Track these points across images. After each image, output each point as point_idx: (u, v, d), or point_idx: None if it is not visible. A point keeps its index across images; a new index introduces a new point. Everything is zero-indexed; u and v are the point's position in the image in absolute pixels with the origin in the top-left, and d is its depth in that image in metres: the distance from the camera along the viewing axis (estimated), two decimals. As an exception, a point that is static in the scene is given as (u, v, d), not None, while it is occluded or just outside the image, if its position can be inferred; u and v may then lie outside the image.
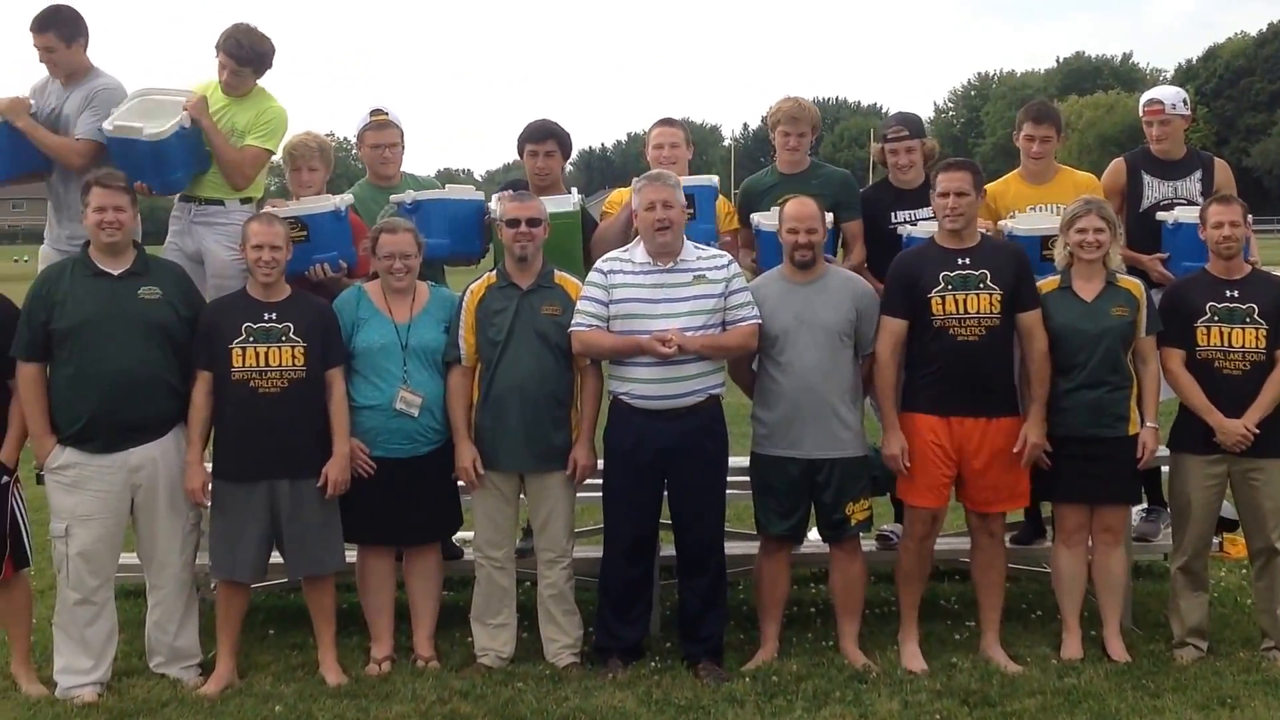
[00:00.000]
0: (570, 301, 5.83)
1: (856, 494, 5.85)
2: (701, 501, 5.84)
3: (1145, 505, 6.92)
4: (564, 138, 6.62)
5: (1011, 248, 5.99)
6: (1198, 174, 6.74)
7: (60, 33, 6.18)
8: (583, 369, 5.90)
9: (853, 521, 5.86)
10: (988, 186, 6.45)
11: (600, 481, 6.18)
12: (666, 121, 6.80)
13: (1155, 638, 6.17)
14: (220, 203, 6.34)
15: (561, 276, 5.94)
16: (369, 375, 5.77)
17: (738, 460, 6.07)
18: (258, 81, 6.44)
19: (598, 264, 5.87)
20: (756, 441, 5.93)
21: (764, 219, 6.38)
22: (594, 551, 6.58)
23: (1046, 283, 5.93)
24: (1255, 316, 5.77)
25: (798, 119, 6.64)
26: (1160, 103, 6.75)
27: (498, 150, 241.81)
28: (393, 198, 6.32)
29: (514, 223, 5.82)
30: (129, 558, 5.96)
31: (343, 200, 6.21)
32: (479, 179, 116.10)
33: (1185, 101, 6.86)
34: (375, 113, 6.69)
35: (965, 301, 5.71)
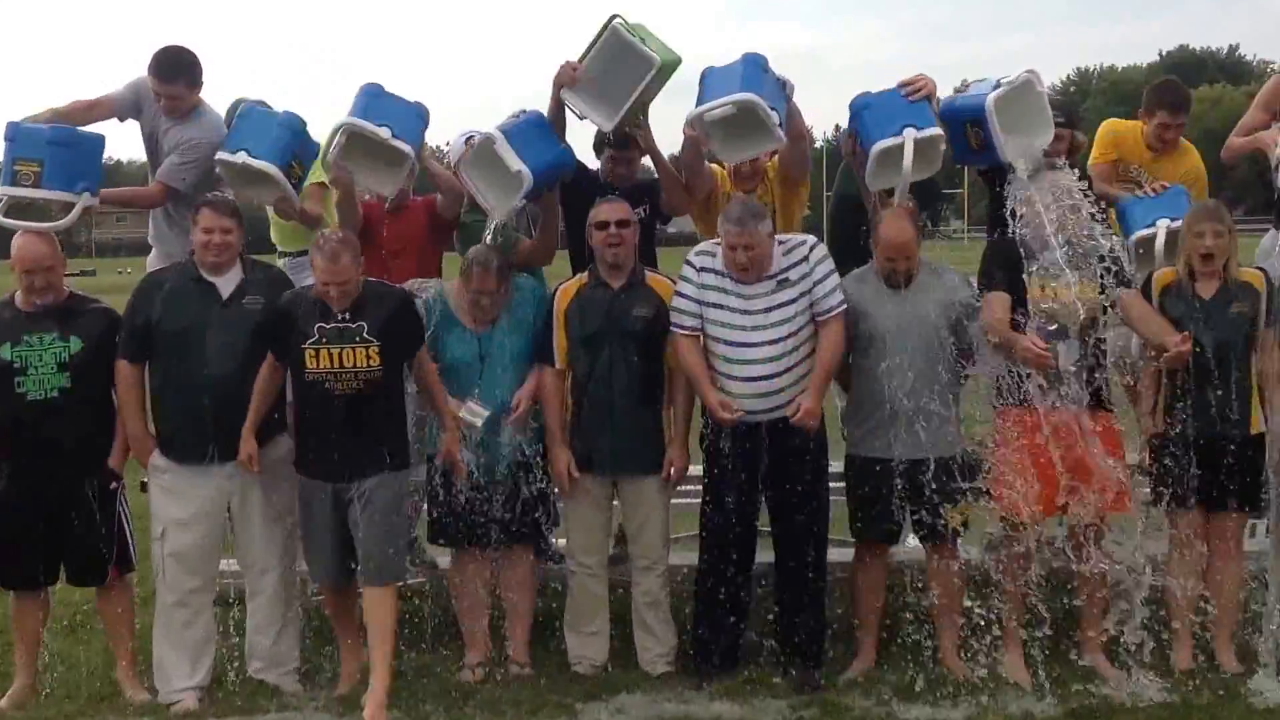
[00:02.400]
0: (661, 302, 5.79)
1: (954, 498, 5.71)
2: (803, 504, 5.72)
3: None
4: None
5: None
6: None
7: (190, 82, 6.23)
8: (673, 369, 5.84)
9: (950, 526, 5.73)
10: (1114, 123, 6.89)
11: (694, 488, 6.16)
12: None
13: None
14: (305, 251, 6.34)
15: (653, 277, 5.90)
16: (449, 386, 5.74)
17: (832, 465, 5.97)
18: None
19: (689, 257, 5.77)
20: (852, 443, 5.85)
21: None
22: (688, 558, 6.56)
23: (1163, 275, 5.77)
24: None
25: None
26: None
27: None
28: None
29: (603, 225, 5.79)
30: (230, 563, 6.03)
31: None
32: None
33: None
34: None
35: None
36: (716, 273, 5.67)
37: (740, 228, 5.49)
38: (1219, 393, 5.62)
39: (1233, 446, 5.65)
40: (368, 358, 5.40)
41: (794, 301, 5.59)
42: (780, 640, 5.89)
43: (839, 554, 6.41)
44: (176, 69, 6.18)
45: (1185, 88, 7.02)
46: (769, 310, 5.58)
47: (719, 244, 5.68)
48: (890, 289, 5.70)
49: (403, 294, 5.70)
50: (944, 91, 5.99)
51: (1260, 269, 5.87)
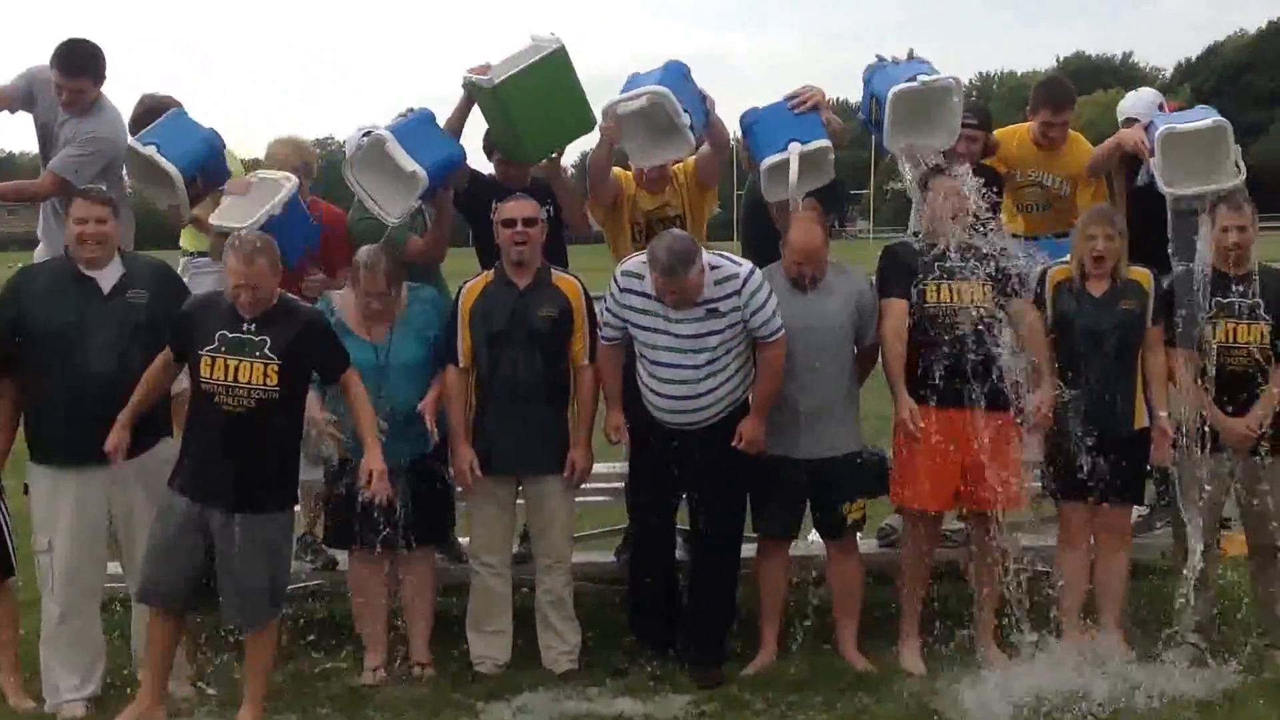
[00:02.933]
0: (567, 302, 5.77)
1: (854, 493, 5.82)
2: (717, 507, 5.78)
3: (1152, 503, 6.90)
4: None
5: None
6: None
7: (94, 76, 6.11)
8: (578, 369, 5.83)
9: (849, 520, 5.84)
10: (998, 131, 6.89)
11: (601, 486, 6.20)
12: None
13: (1152, 636, 6.07)
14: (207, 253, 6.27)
15: (560, 276, 5.87)
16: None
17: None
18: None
19: (617, 274, 5.71)
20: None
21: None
22: (594, 556, 6.59)
23: (1056, 272, 5.91)
24: (1260, 313, 5.73)
25: None
26: (1138, 120, 6.67)
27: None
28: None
29: (510, 223, 5.77)
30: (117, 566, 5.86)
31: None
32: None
33: (1161, 105, 6.86)
34: None
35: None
36: (638, 293, 5.61)
37: (669, 278, 5.39)
38: (1107, 389, 5.77)
39: (1119, 441, 5.80)
40: (265, 376, 5.06)
41: (721, 332, 5.54)
42: (684, 636, 5.93)
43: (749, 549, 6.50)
44: (82, 63, 6.06)
45: (1068, 85, 7.16)
46: (696, 337, 5.54)
47: (645, 260, 5.58)
48: (797, 290, 5.73)
49: (314, 314, 5.45)
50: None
51: (1147, 269, 6.01)
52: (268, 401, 5.08)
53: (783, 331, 5.58)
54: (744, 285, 5.52)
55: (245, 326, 5.10)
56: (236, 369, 5.05)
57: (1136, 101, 6.96)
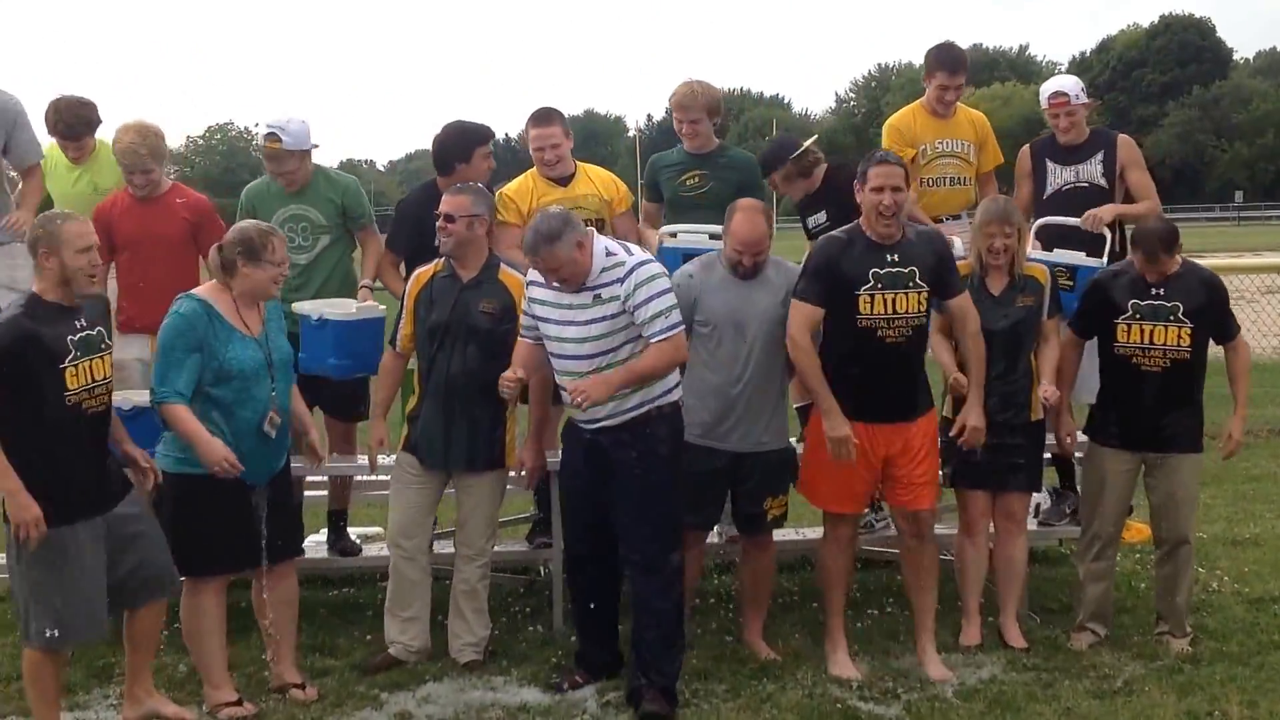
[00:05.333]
0: (510, 299, 5.72)
1: (777, 489, 5.82)
2: (636, 509, 5.38)
3: (1051, 488, 7.06)
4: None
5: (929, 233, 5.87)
6: (1099, 155, 6.87)
7: None
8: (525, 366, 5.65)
9: (770, 516, 5.82)
10: (891, 119, 7.15)
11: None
12: (541, 120, 6.57)
13: (1050, 624, 6.26)
14: None
15: (506, 272, 5.80)
16: (238, 400, 5.22)
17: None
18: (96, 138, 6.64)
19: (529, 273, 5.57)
20: (686, 429, 5.58)
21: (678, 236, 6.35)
22: (502, 546, 6.57)
23: (959, 267, 5.93)
24: (1179, 315, 5.81)
25: (688, 106, 6.64)
26: (1065, 94, 6.86)
27: (400, 139, 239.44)
28: (295, 307, 6.01)
29: (439, 215, 5.78)
30: None
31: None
32: (382, 169, 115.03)
33: (1084, 89, 6.98)
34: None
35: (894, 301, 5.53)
36: (539, 284, 5.42)
37: (532, 255, 5.23)
38: (1005, 380, 5.88)
39: (1017, 429, 5.92)
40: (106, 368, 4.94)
41: (608, 319, 5.26)
42: (632, 671, 5.57)
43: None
44: None
45: (960, 49, 7.27)
46: (586, 324, 5.30)
47: None
48: (735, 278, 5.66)
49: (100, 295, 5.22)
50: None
51: (1043, 264, 6.13)
52: (110, 394, 5.02)
53: (671, 335, 5.22)
54: (629, 274, 5.22)
55: (80, 323, 4.86)
56: (91, 368, 4.86)
57: (1064, 79, 7.05)
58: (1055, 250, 6.45)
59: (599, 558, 5.57)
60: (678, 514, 5.47)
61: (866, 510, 6.38)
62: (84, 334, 4.82)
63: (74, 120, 6.73)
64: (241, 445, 5.20)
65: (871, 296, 5.46)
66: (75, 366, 4.76)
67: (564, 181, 6.52)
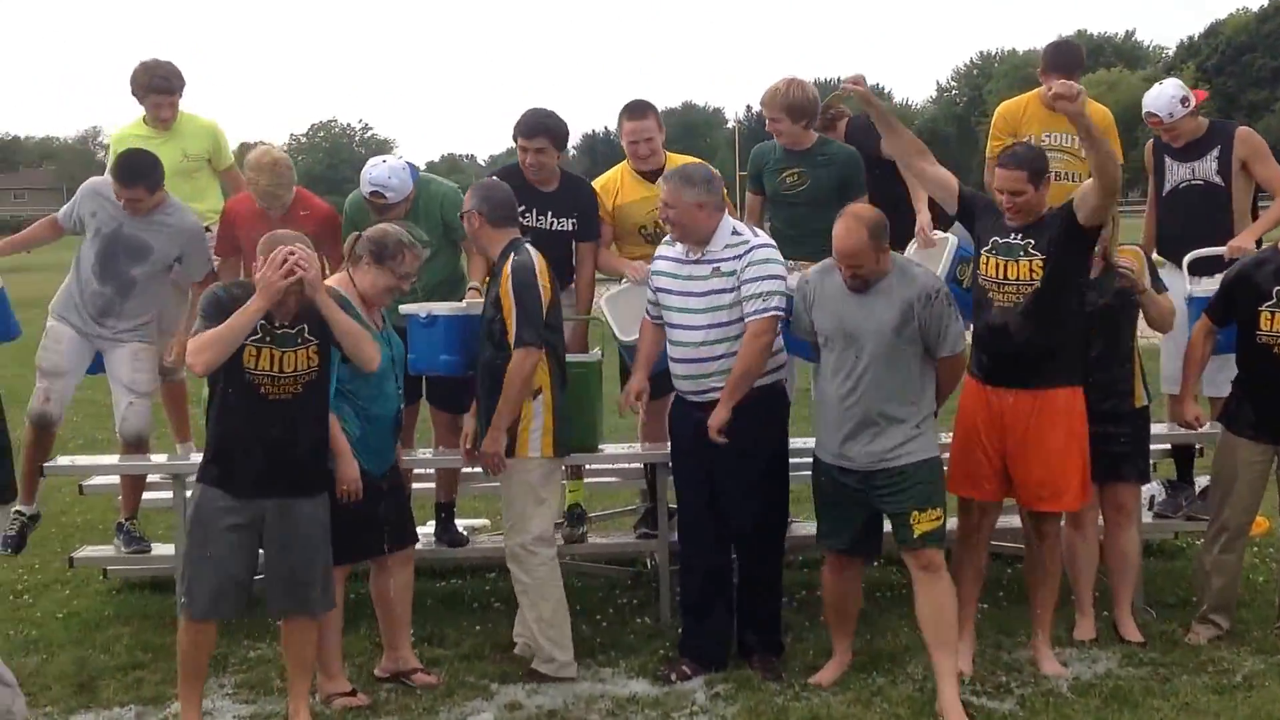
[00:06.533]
0: (497, 288, 5.58)
1: (923, 503, 5.28)
2: (740, 490, 5.58)
3: (1166, 481, 6.91)
4: (556, 131, 6.42)
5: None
6: (1214, 152, 6.75)
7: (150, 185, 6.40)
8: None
9: (917, 532, 5.25)
10: (1002, 105, 7.08)
11: (608, 467, 6.24)
12: (635, 113, 6.60)
13: (1167, 618, 6.14)
14: None
15: (505, 265, 5.66)
16: (372, 396, 5.36)
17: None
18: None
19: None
20: (817, 444, 5.49)
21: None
22: (606, 539, 6.60)
23: None
24: None
25: (766, 104, 6.60)
26: (1156, 115, 6.76)
27: (502, 134, 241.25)
28: (404, 308, 5.94)
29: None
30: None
31: None
32: (482, 164, 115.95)
33: (1184, 99, 6.77)
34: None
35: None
36: (668, 257, 5.67)
37: (666, 184, 5.57)
38: (1105, 366, 5.75)
39: (1121, 418, 5.81)
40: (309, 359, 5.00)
41: (723, 292, 5.48)
42: (740, 630, 5.76)
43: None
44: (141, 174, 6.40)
45: (1078, 47, 7.20)
46: (704, 295, 5.51)
47: None
48: (849, 289, 5.26)
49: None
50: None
51: (1136, 246, 6.06)
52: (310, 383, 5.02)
53: (767, 315, 5.40)
54: (746, 253, 5.48)
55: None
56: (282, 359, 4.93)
57: (1158, 96, 6.84)
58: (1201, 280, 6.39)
59: (711, 540, 5.65)
60: (783, 489, 5.73)
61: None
62: (282, 328, 4.90)
63: (169, 73, 7.10)
64: (373, 440, 5.35)
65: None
66: (257, 349, 4.87)
67: (652, 176, 6.46)
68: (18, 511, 6.50)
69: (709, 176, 5.62)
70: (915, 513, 5.23)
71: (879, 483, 5.26)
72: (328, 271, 5.85)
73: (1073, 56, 6.94)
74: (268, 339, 4.87)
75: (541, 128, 6.40)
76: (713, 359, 5.54)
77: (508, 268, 5.53)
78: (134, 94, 7.12)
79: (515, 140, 6.47)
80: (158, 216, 6.47)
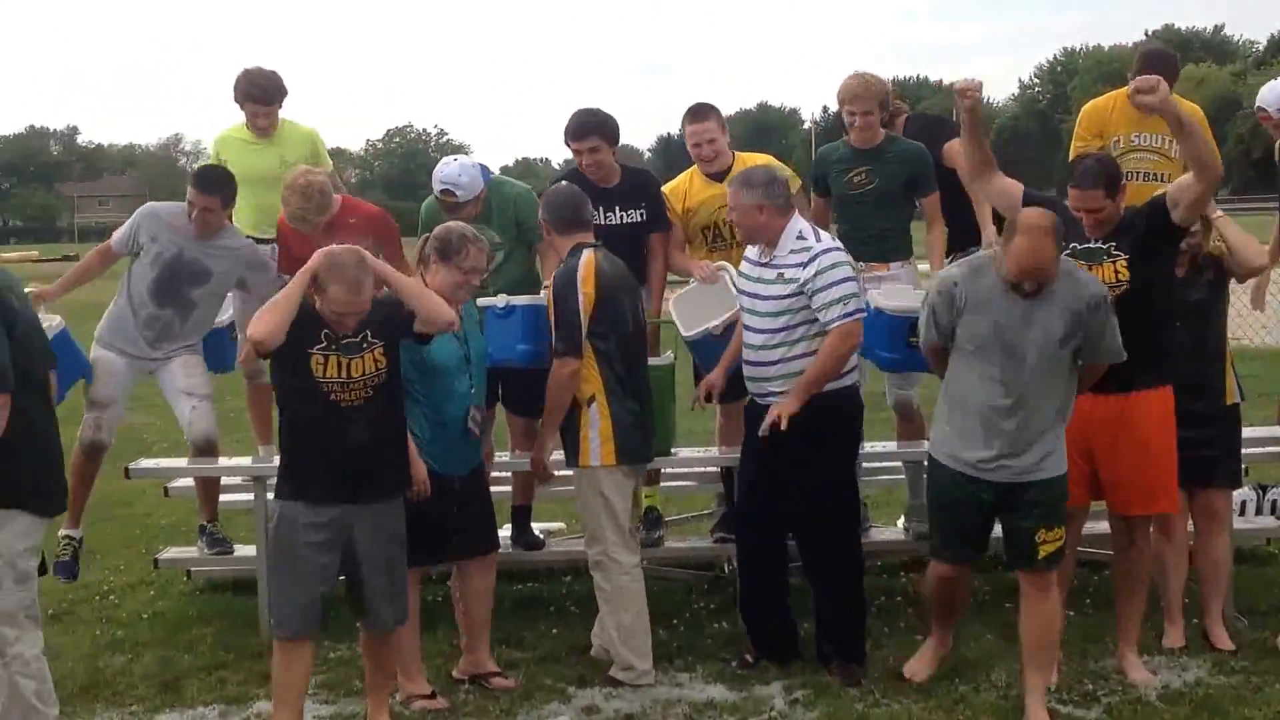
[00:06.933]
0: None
1: (1052, 521, 5.09)
2: (810, 494, 5.54)
3: (1259, 485, 6.76)
4: (605, 127, 6.43)
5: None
6: None
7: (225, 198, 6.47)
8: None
9: (1043, 552, 5.07)
10: (1089, 104, 6.92)
11: (683, 471, 6.20)
12: (697, 116, 6.59)
13: (1259, 626, 5.99)
14: None
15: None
16: (442, 396, 5.37)
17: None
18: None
19: None
20: (934, 444, 5.31)
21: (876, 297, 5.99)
22: (682, 543, 6.56)
23: None
24: None
25: (860, 96, 6.52)
26: (1265, 110, 6.61)
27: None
28: (481, 301, 5.89)
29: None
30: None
31: None
32: (556, 167, 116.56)
33: None
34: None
35: None
36: (750, 260, 5.68)
37: (729, 186, 5.67)
38: (1193, 363, 5.62)
39: (1210, 420, 5.67)
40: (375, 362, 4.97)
41: (785, 298, 5.43)
42: (819, 637, 5.72)
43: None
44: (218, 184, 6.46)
45: (1172, 55, 6.97)
46: (767, 299, 5.49)
47: None
48: (1013, 293, 4.94)
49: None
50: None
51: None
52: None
53: (847, 321, 5.35)
54: (811, 260, 5.40)
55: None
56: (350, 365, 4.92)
57: (1270, 90, 6.63)
58: None
59: (767, 543, 5.68)
60: (853, 496, 5.70)
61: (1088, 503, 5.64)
62: (346, 338, 4.89)
63: (268, 84, 7.04)
64: (444, 441, 5.35)
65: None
66: (324, 358, 4.87)
67: (719, 177, 6.43)
68: (67, 537, 6.50)
69: (769, 179, 5.57)
70: (1042, 530, 5.04)
71: (1015, 497, 5.05)
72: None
73: (1165, 64, 6.48)
74: (333, 347, 4.87)
75: (590, 127, 6.42)
76: (769, 363, 5.51)
77: (554, 275, 5.60)
78: (235, 100, 7.14)
79: (568, 145, 6.49)
80: (218, 241, 6.49)
